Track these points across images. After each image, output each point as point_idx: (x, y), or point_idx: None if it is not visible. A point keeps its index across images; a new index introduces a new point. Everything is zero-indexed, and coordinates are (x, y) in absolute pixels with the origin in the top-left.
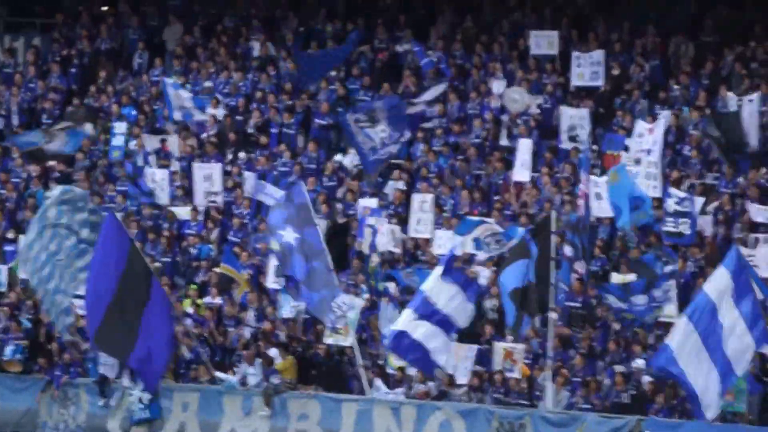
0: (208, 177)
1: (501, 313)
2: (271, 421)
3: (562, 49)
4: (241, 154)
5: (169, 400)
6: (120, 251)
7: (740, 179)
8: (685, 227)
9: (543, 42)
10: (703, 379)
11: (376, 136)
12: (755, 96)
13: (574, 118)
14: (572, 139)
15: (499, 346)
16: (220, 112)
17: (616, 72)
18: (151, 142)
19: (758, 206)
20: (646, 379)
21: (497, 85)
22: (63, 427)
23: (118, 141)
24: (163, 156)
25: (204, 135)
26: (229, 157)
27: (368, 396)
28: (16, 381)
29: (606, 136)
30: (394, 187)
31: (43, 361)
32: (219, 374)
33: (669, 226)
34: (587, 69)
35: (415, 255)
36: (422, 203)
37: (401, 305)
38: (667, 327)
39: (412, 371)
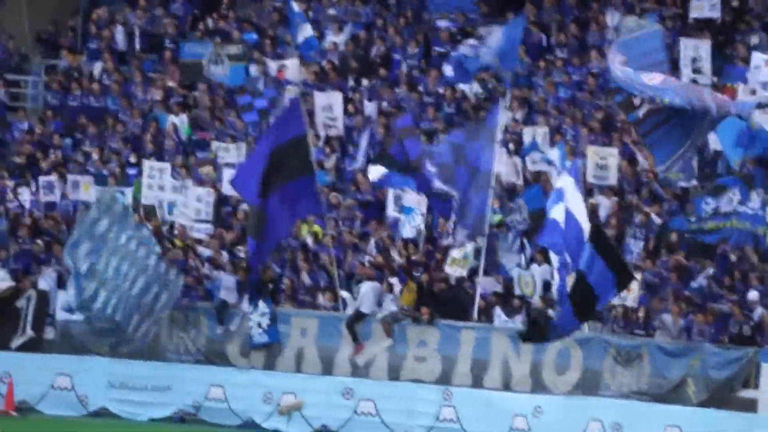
0: (327, 107)
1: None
2: (390, 348)
3: None
4: (364, 82)
5: (288, 325)
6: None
7: None
8: None
9: None
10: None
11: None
12: None
13: (698, 49)
14: (696, 71)
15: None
16: (341, 39)
17: (734, 4)
18: (272, 68)
19: None
20: (759, 311)
21: (612, 16)
22: (183, 351)
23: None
24: (280, 83)
25: (324, 62)
26: (351, 84)
27: (487, 324)
28: None
29: (725, 68)
30: (512, 117)
31: None
32: (343, 293)
33: None
34: (707, 1)
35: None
36: (534, 137)
37: (524, 234)
38: None
39: (534, 298)
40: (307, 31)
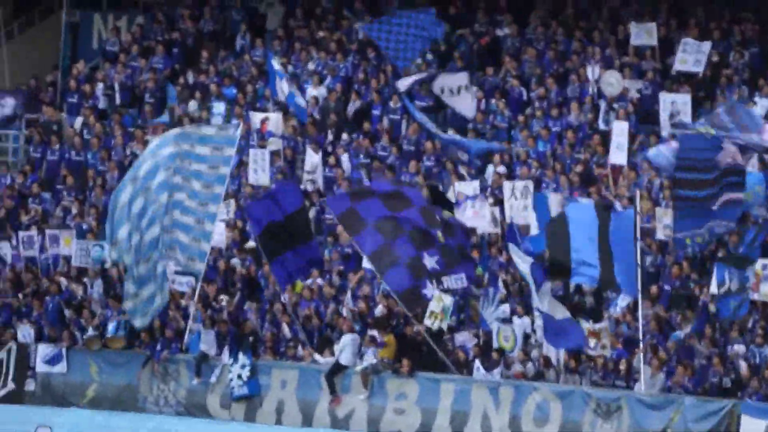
0: (311, 164)
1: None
2: (370, 401)
3: (663, 35)
4: (344, 136)
5: (268, 377)
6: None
7: None
8: None
9: (643, 33)
10: None
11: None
12: None
13: (676, 104)
14: (675, 125)
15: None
16: (321, 92)
17: (715, 59)
18: (253, 122)
19: None
20: (743, 364)
21: (592, 70)
22: (163, 403)
23: (216, 121)
24: (262, 136)
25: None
26: (330, 138)
27: (466, 376)
28: (117, 356)
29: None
30: (493, 170)
31: (144, 336)
32: (317, 357)
33: None
34: (692, 56)
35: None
36: (513, 190)
37: (505, 286)
38: (764, 308)
39: (514, 353)
40: (287, 87)
